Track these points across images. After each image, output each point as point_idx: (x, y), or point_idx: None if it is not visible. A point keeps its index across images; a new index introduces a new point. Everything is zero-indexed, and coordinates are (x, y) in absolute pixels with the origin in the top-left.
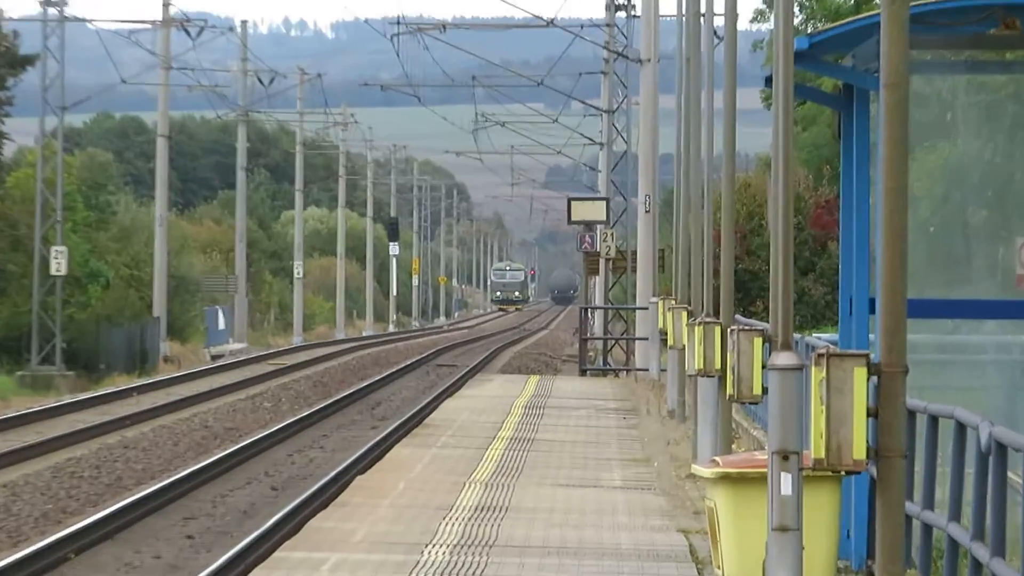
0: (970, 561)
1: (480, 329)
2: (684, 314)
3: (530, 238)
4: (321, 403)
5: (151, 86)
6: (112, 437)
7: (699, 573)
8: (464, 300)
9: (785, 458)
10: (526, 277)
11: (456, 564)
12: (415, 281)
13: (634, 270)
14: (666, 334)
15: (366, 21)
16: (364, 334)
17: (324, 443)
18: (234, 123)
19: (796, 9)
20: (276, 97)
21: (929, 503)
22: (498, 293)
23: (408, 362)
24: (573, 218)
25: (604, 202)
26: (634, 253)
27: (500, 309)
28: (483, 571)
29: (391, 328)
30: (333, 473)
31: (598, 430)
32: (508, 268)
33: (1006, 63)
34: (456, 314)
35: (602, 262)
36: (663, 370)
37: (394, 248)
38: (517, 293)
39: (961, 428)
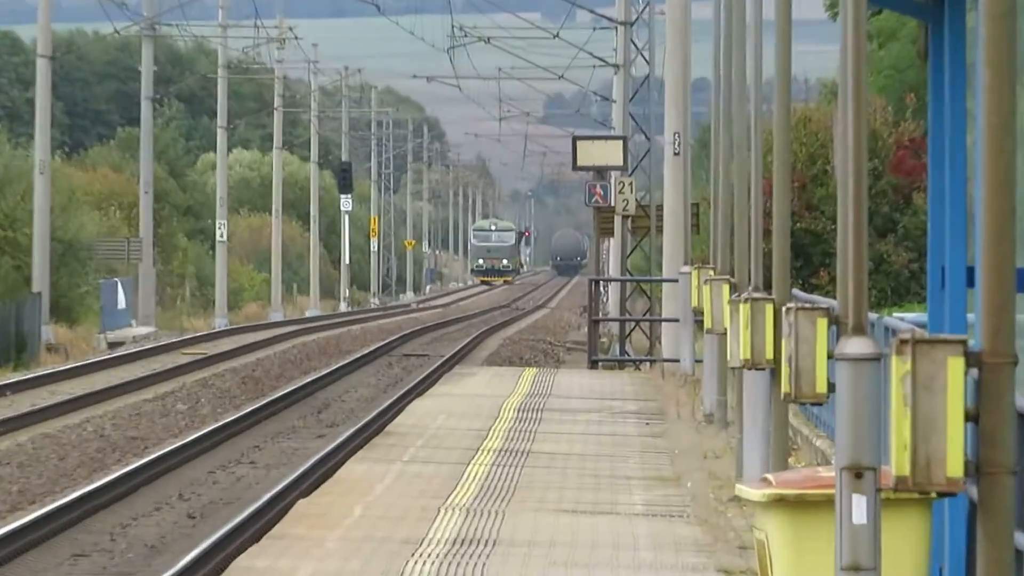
0: None
1: (459, 308)
2: (725, 288)
3: (524, 189)
4: (252, 404)
5: None
6: None
7: None
8: (438, 270)
9: (858, 476)
10: (518, 240)
11: None
12: (374, 245)
13: (660, 230)
14: (702, 314)
15: None
16: (308, 315)
17: (256, 457)
18: (137, 40)
19: None
20: (192, 6)
21: None
22: (480, 261)
23: (365, 351)
24: (580, 163)
25: (620, 142)
26: (660, 208)
27: (483, 282)
28: None
29: (343, 307)
30: (267, 496)
31: (613, 439)
32: (494, 228)
33: None
34: (428, 288)
35: (618, 220)
36: (698, 361)
37: (346, 203)
38: (505, 261)
39: None
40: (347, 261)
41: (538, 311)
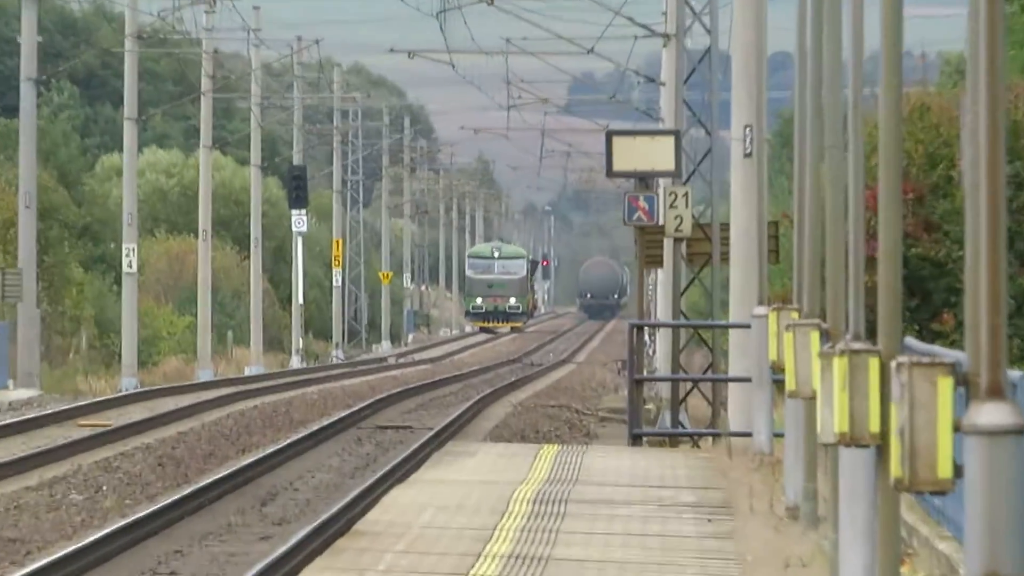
0: None
1: (453, 363)
2: (814, 336)
3: (540, 201)
4: (172, 495)
5: None
6: None
7: None
8: (425, 312)
9: None
10: (531, 270)
11: None
12: (337, 279)
13: (726, 259)
14: (782, 372)
15: None
16: (248, 373)
17: (178, 566)
18: (16, 1)
19: None
20: None
21: None
22: (479, 300)
23: (326, 422)
24: (617, 167)
25: (671, 138)
26: (725, 228)
27: (483, 329)
28: None
29: (295, 362)
30: None
31: (663, 542)
32: (497, 255)
33: None
34: (410, 337)
35: (668, 244)
36: (777, 436)
37: (300, 221)
38: (513, 300)
39: None
40: (301, 300)
41: (561, 367)
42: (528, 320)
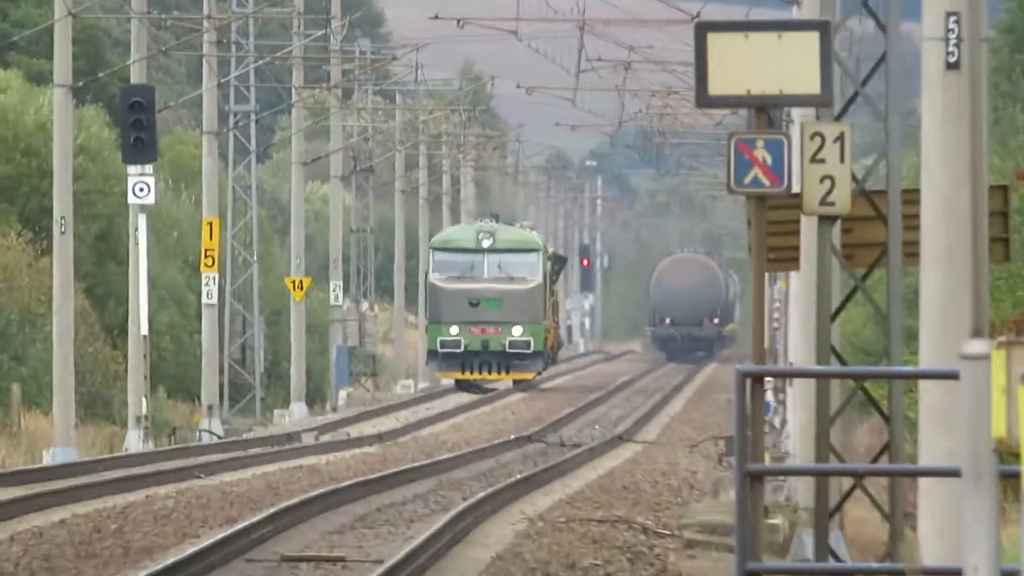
0: None
1: (419, 443)
2: None
3: (577, 151)
4: None
5: None
6: None
7: None
8: (370, 353)
9: None
10: (551, 275)
11: None
12: (208, 292)
13: (914, 256)
14: (1019, 458)
15: None
16: (49, 461)
17: None
18: None
19: None
20: None
21: None
22: (452, 331)
23: (191, 550)
24: (714, 89)
25: (814, 36)
26: (914, 199)
27: (460, 385)
28: None
29: (133, 442)
30: None
31: None
32: (487, 243)
33: None
34: (343, 396)
35: (809, 229)
36: (1010, 574)
37: (144, 187)
38: (519, 330)
39: None
40: (145, 330)
41: (614, 451)
42: (547, 367)
